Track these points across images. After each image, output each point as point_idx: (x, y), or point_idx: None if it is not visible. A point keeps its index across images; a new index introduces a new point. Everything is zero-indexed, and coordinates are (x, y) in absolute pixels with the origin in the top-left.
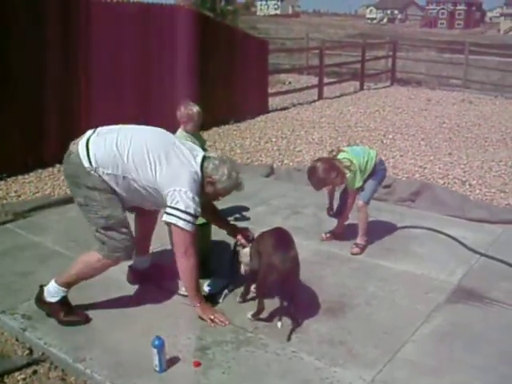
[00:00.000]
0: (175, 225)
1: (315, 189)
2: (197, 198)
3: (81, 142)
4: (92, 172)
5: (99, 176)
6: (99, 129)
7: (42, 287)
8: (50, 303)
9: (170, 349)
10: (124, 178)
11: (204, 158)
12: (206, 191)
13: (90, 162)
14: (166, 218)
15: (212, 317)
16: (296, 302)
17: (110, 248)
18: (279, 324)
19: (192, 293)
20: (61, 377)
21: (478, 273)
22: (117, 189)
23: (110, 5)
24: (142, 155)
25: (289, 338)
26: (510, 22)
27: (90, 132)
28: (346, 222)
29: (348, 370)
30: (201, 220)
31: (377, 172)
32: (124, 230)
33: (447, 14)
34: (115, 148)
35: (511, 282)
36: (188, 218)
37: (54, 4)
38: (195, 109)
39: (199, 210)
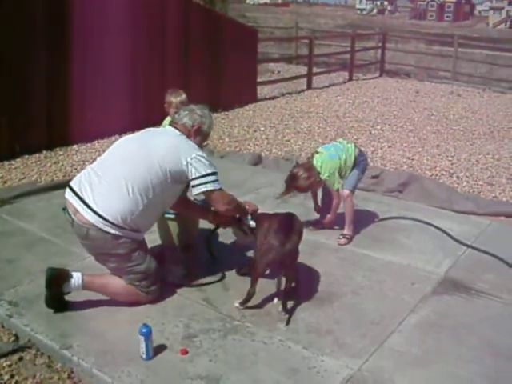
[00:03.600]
0: (206, 191)
1: (303, 188)
2: (204, 153)
3: (83, 211)
4: (121, 235)
5: (130, 229)
6: (76, 187)
7: (67, 272)
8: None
9: (157, 336)
10: (145, 201)
11: (173, 122)
12: (194, 143)
13: (114, 224)
14: (195, 191)
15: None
16: (290, 288)
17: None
18: (275, 300)
19: (242, 210)
20: (47, 364)
21: (464, 264)
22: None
23: None
24: (136, 166)
25: (287, 323)
26: (498, 15)
27: (72, 197)
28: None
29: (335, 359)
30: None
31: (358, 163)
32: (155, 277)
33: (437, 6)
34: (113, 185)
35: (497, 273)
36: (211, 178)
37: None
38: (179, 98)
39: (213, 164)
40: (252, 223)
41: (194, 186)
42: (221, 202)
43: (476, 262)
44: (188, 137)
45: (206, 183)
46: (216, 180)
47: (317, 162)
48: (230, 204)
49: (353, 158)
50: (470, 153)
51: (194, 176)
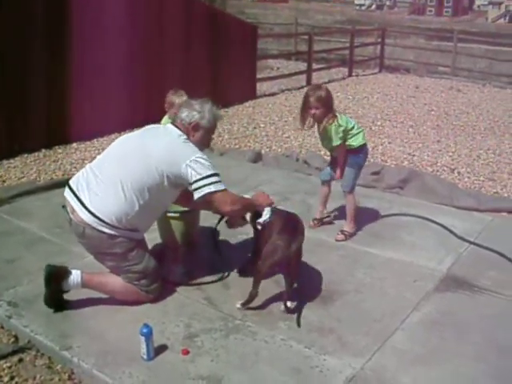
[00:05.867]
0: (209, 193)
1: (306, 108)
2: (203, 155)
3: (79, 211)
4: (117, 234)
5: (126, 229)
6: (74, 185)
7: (66, 269)
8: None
9: (157, 336)
10: (141, 202)
11: (173, 120)
12: (194, 141)
13: (109, 224)
14: (197, 194)
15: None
16: (291, 288)
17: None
18: (284, 306)
19: (252, 203)
20: (47, 365)
21: (466, 261)
22: (149, 218)
23: None
24: (132, 167)
25: (298, 324)
26: (497, 10)
27: (69, 195)
28: (336, 212)
29: (337, 358)
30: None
31: (358, 155)
32: (154, 276)
33: (436, 1)
34: (108, 186)
35: (500, 270)
36: (213, 179)
37: None
38: (182, 98)
39: (213, 165)
40: (267, 218)
41: (195, 190)
42: (226, 204)
43: (479, 259)
44: (188, 135)
45: (208, 185)
46: (218, 181)
47: (341, 118)
48: (235, 204)
49: (360, 138)
50: (471, 148)
51: (194, 179)
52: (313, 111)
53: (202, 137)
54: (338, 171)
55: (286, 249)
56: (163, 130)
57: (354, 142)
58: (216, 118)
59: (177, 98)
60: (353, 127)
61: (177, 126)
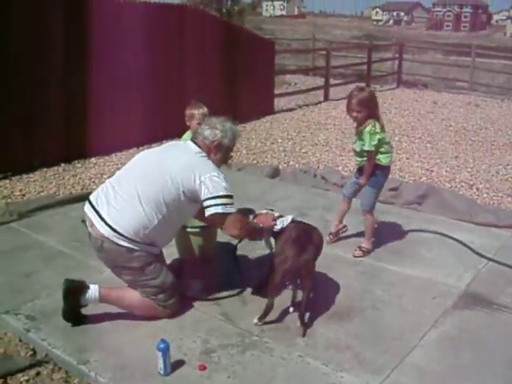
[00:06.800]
0: (217, 214)
1: (349, 109)
2: (220, 174)
3: (98, 224)
4: (135, 248)
5: (144, 243)
6: (94, 200)
7: (84, 284)
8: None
9: (174, 352)
10: (160, 217)
11: (193, 137)
12: (215, 159)
13: (127, 238)
14: (206, 212)
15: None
16: (308, 300)
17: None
18: (291, 309)
19: (255, 233)
20: (64, 379)
21: (485, 278)
22: (166, 233)
23: (120, 4)
24: (152, 181)
25: (304, 334)
26: None
27: (89, 209)
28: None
29: (355, 376)
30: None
31: (382, 173)
32: (171, 291)
33: (453, 16)
34: (127, 200)
35: None
36: (224, 200)
37: (61, 2)
38: (201, 110)
39: (229, 186)
40: (279, 227)
41: (205, 207)
42: (232, 227)
43: (497, 276)
44: (208, 153)
45: (217, 205)
46: (228, 203)
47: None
48: (241, 229)
49: (388, 157)
50: (490, 164)
51: (205, 196)
52: (354, 114)
53: (223, 155)
54: (364, 178)
55: (295, 258)
56: (183, 146)
57: (384, 159)
58: (236, 137)
59: (196, 109)
60: (388, 142)
61: (196, 143)
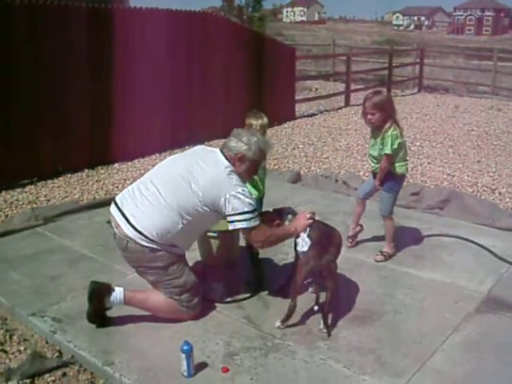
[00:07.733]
0: (242, 229)
1: (363, 112)
2: (245, 189)
3: (123, 225)
4: (159, 248)
5: (167, 245)
6: (119, 201)
7: (109, 286)
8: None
9: (198, 354)
10: (184, 223)
11: (222, 147)
12: (240, 171)
13: (151, 239)
14: (230, 226)
15: (305, 221)
16: (331, 302)
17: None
18: (316, 308)
19: (287, 233)
20: (90, 380)
21: (507, 282)
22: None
23: (141, 12)
24: (176, 187)
25: (329, 334)
26: None
27: (115, 210)
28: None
29: (377, 379)
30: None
31: (397, 182)
32: (194, 290)
33: (475, 20)
34: (153, 204)
35: None
36: (248, 216)
37: (84, 13)
38: (260, 120)
39: (253, 200)
40: (306, 241)
41: (229, 222)
42: (257, 240)
43: None
44: (234, 165)
45: (242, 220)
46: (252, 218)
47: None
48: (267, 239)
49: (404, 165)
50: None
51: (230, 212)
52: (368, 116)
53: (248, 168)
54: (377, 179)
55: (318, 259)
56: (213, 157)
57: (400, 168)
58: (263, 151)
59: (255, 119)
60: (405, 149)
61: (224, 154)
